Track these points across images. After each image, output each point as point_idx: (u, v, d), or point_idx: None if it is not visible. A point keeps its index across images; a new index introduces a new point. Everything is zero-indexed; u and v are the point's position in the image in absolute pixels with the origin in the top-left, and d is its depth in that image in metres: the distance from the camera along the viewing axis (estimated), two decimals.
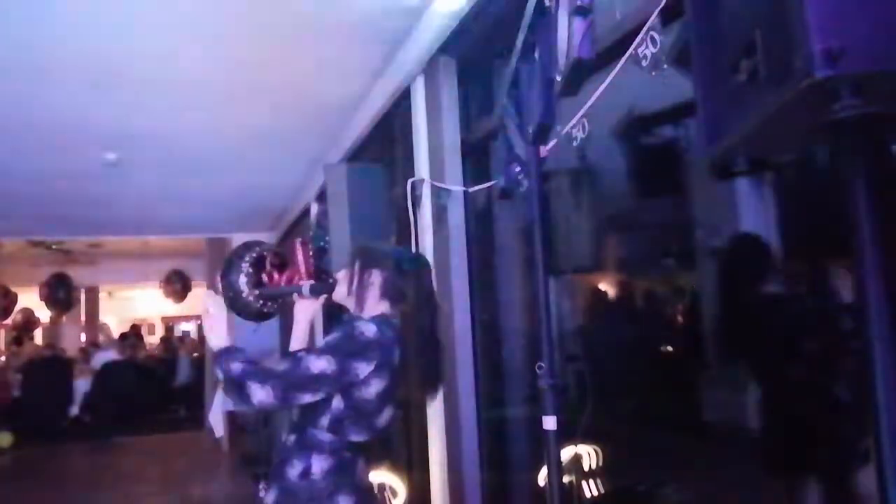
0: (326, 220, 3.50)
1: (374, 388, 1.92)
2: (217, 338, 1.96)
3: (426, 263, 2.23)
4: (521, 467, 3.06)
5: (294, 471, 1.92)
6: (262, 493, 2.06)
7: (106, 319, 13.60)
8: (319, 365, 1.85)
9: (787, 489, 2.74)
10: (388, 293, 2.08)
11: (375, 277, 2.09)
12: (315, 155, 5.40)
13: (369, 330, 1.93)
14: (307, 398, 1.86)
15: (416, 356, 2.04)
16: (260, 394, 1.79)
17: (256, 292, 2.24)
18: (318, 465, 1.91)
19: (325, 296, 2.20)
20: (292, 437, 1.99)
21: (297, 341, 2.26)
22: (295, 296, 2.24)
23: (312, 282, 2.24)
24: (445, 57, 3.22)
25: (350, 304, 2.10)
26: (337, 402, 1.91)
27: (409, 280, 2.09)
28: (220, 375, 1.88)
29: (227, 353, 1.90)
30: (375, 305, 2.08)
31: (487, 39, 2.92)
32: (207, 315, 2.03)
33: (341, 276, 2.17)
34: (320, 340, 2.14)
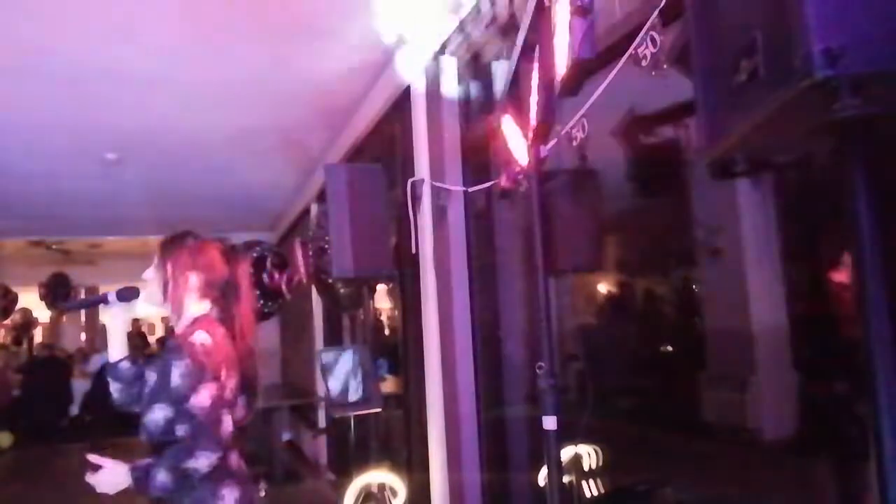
0: (326, 220, 3.50)
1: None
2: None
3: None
4: (521, 467, 3.05)
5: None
6: (262, 493, 2.05)
7: (106, 320, 13.59)
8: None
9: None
10: (213, 301, 1.97)
11: (190, 282, 1.97)
12: (315, 155, 5.40)
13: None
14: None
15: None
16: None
17: (62, 306, 2.18)
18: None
19: (134, 301, 2.08)
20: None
21: (117, 352, 2.09)
22: (101, 307, 2.13)
23: (118, 289, 2.08)
24: (445, 57, 3.21)
25: (172, 315, 1.98)
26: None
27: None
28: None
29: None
30: (191, 314, 1.97)
31: (487, 40, 2.92)
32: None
33: (149, 281, 2.03)
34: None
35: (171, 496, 1.80)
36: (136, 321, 13.40)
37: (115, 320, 2.10)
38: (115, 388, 2.08)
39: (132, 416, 2.12)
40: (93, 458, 1.85)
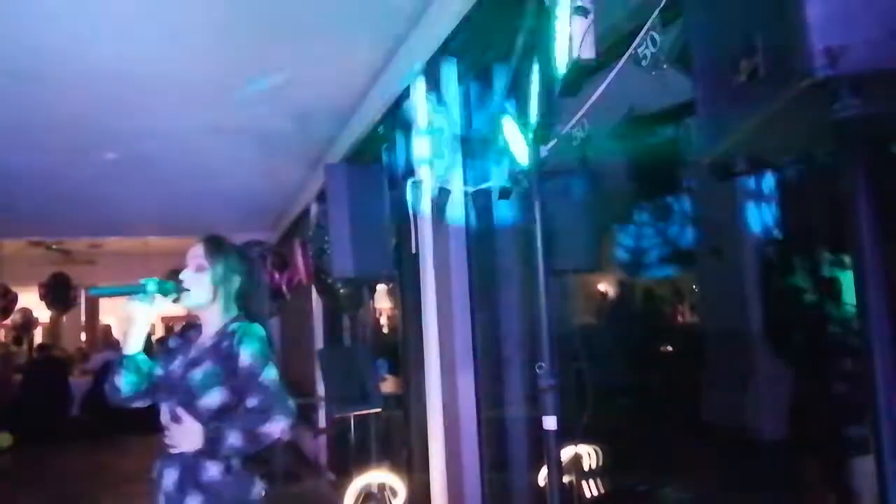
0: (326, 220, 3.50)
1: None
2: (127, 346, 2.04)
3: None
4: (521, 467, 3.05)
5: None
6: (262, 493, 2.06)
7: (106, 319, 13.59)
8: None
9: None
10: (242, 301, 2.12)
11: (234, 284, 2.11)
12: (315, 155, 5.40)
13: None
14: None
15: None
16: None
17: (92, 292, 2.10)
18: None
19: (172, 295, 2.07)
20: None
21: (137, 343, 2.08)
22: (138, 296, 2.05)
23: (157, 280, 2.06)
24: (445, 57, 3.21)
25: (210, 312, 2.08)
26: None
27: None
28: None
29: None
30: (228, 313, 2.10)
31: (487, 39, 2.92)
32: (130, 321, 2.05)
33: (195, 280, 2.07)
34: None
35: (221, 484, 1.94)
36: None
37: (144, 313, 2.06)
38: (126, 379, 2.05)
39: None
40: (179, 411, 1.96)
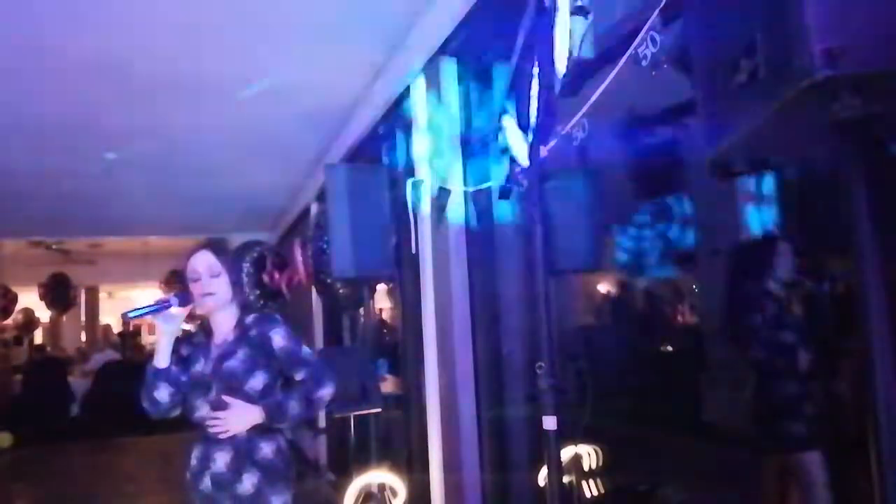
0: (326, 220, 3.50)
1: None
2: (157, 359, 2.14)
3: None
4: (521, 467, 3.05)
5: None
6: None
7: (106, 319, 13.60)
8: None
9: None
10: (252, 300, 2.37)
11: (248, 284, 2.36)
12: (315, 155, 5.40)
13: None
14: None
15: None
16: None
17: (128, 315, 2.19)
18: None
19: (191, 306, 2.16)
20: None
21: (165, 357, 2.16)
22: (164, 313, 2.11)
23: (175, 294, 2.15)
24: (445, 57, 3.21)
25: (224, 313, 2.19)
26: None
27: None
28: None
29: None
30: (238, 311, 2.23)
31: (487, 39, 2.92)
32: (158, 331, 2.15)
33: (215, 284, 2.16)
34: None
35: (274, 462, 2.11)
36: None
37: (170, 325, 2.13)
38: (165, 392, 2.15)
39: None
40: (227, 399, 2.08)
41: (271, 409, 2.09)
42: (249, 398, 2.10)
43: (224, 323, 2.21)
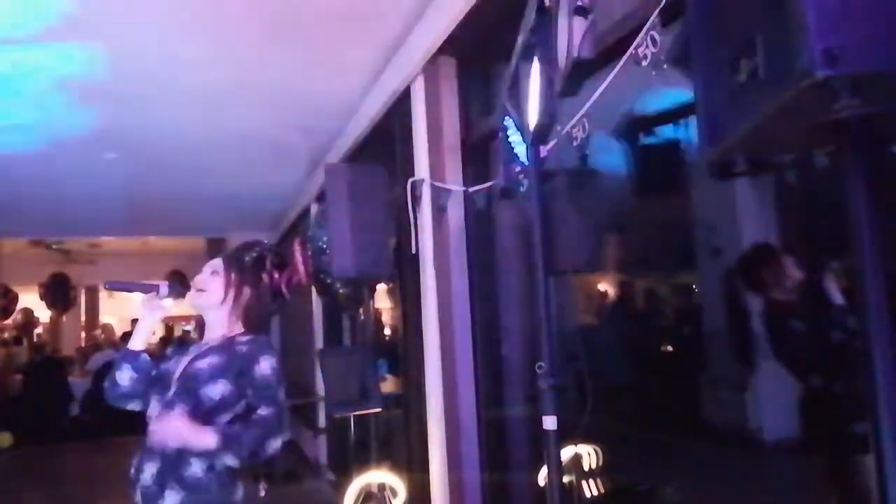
0: (326, 221, 3.50)
1: None
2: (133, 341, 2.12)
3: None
4: (521, 467, 3.05)
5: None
6: (262, 493, 2.07)
7: (106, 319, 13.59)
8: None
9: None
10: (251, 318, 2.15)
11: (245, 294, 2.16)
12: (315, 155, 5.40)
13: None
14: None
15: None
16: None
17: (109, 285, 2.20)
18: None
19: (180, 300, 2.17)
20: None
21: (141, 341, 2.15)
22: (150, 294, 2.13)
23: (168, 283, 2.16)
24: (445, 57, 3.21)
25: (218, 314, 2.13)
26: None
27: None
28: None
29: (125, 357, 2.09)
30: (235, 324, 2.14)
31: (487, 39, 2.92)
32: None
33: (210, 282, 2.15)
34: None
35: (203, 482, 1.91)
36: (135, 321, 13.39)
37: (153, 312, 2.15)
38: (127, 376, 2.09)
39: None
40: (176, 405, 1.96)
41: (228, 439, 1.88)
42: (200, 405, 1.95)
43: (215, 327, 2.15)
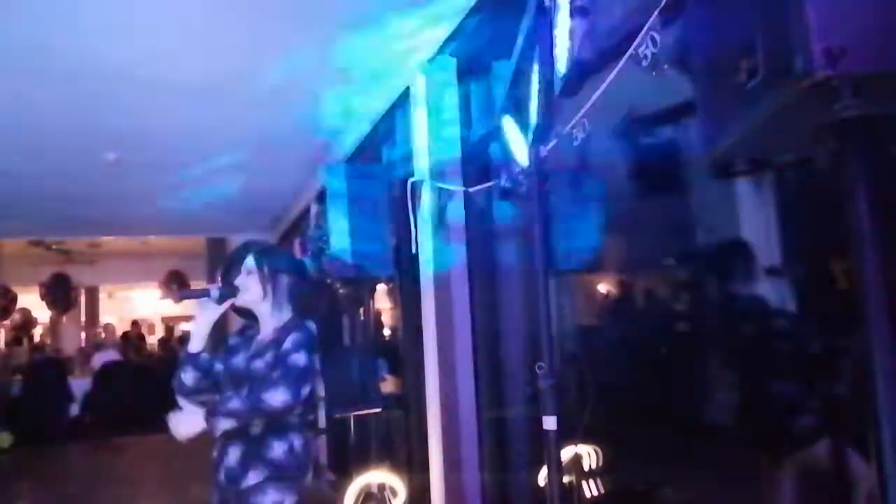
0: (326, 220, 3.50)
1: None
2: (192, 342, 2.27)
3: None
4: (521, 467, 3.05)
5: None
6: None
7: (106, 319, 13.60)
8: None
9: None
10: (293, 298, 2.29)
11: (283, 282, 2.29)
12: (315, 155, 5.40)
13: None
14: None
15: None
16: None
17: (179, 295, 2.39)
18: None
19: (230, 301, 2.28)
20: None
21: (198, 343, 2.29)
22: (204, 299, 2.26)
23: (221, 287, 2.28)
24: (445, 57, 3.21)
25: (264, 308, 2.28)
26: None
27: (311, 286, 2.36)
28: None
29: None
30: (283, 312, 2.29)
31: (487, 39, 2.92)
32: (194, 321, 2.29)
33: (249, 281, 2.27)
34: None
35: (283, 462, 2.12)
36: (135, 323, 13.43)
37: (207, 314, 2.26)
38: (191, 376, 2.26)
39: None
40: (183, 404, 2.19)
41: (213, 410, 2.10)
42: (266, 413, 2.10)
43: (265, 322, 2.29)
